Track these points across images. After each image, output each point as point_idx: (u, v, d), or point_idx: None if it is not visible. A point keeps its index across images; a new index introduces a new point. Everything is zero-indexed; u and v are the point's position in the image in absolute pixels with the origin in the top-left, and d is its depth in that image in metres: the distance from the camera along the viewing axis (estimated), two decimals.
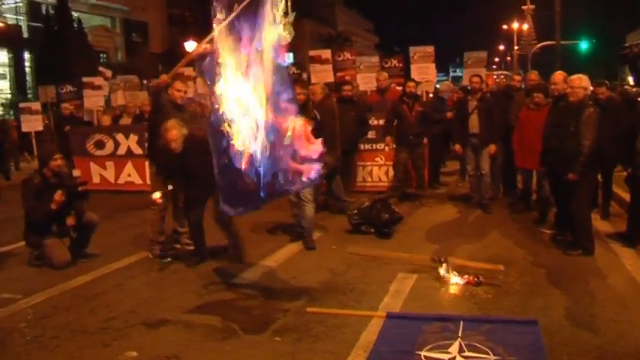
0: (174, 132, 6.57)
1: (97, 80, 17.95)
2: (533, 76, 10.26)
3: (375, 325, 4.98)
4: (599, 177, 8.43)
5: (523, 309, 5.35)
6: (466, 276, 6.05)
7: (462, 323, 4.86)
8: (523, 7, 44.71)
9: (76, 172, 9.44)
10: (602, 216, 8.81)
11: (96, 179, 13.11)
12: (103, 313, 5.52)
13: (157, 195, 7.28)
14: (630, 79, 14.43)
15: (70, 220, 7.23)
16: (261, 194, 5.09)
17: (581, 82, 7.08)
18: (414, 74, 13.57)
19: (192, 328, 5.09)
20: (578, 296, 5.62)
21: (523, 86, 10.62)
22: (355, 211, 8.40)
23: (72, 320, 5.39)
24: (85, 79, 17.76)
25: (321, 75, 14.74)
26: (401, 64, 14.58)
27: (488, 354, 4.36)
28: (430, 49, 14.26)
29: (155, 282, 6.46)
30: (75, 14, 34.46)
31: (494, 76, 26.71)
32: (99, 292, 6.14)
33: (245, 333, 4.95)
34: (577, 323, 4.99)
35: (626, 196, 8.96)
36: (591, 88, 7.82)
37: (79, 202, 7.31)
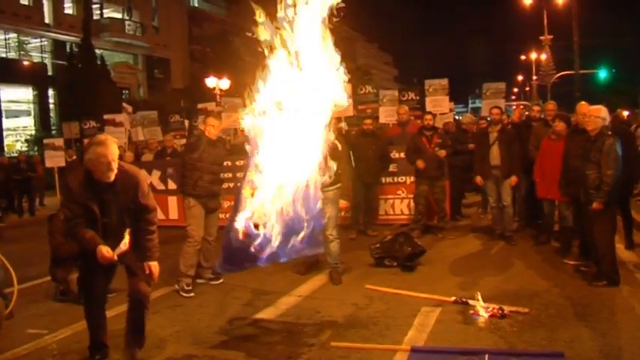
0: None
1: (118, 117, 18.32)
2: (551, 106, 10.29)
3: None
4: None
5: (549, 341, 5.31)
6: (490, 308, 6.02)
7: (487, 356, 4.82)
8: (541, 37, 44.79)
9: None
10: (627, 246, 8.73)
11: None
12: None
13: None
14: None
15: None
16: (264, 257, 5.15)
17: (599, 112, 7.11)
18: (428, 106, 13.72)
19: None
20: (604, 328, 5.56)
21: (543, 116, 10.64)
22: (378, 245, 8.40)
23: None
24: (106, 117, 18.15)
25: (343, 109, 14.87)
26: (418, 97, 14.70)
27: None
28: (444, 81, 14.44)
29: (180, 317, 6.50)
30: (98, 52, 35.17)
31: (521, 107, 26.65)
32: (123, 328, 6.16)
33: None
34: (604, 356, 4.94)
35: None
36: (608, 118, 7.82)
37: None
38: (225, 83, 31.12)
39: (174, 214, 12.98)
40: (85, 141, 16.33)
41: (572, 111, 10.02)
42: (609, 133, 7.02)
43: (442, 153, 10.18)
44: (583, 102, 8.06)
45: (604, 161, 6.83)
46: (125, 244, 4.87)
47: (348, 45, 75.73)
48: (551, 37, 43.77)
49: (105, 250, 4.77)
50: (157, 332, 5.99)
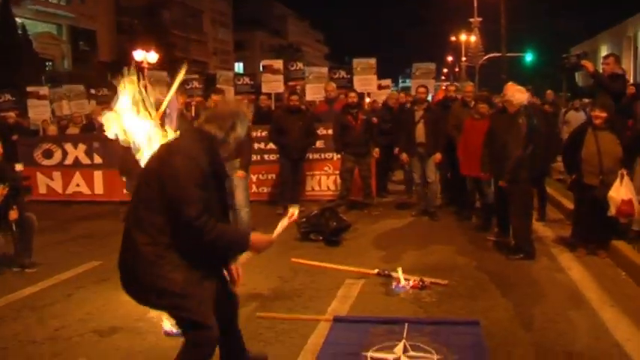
0: None
1: (43, 90, 17.65)
2: (470, 87, 10.71)
3: (322, 329, 5.10)
4: None
5: (467, 311, 5.56)
6: (411, 280, 6.25)
7: (406, 325, 5.02)
8: (471, 19, 45.75)
9: (18, 167, 9.32)
10: (538, 218, 9.15)
11: (42, 189, 12.88)
12: (52, 323, 5.48)
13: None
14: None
15: (13, 215, 7.18)
16: None
17: (515, 93, 7.43)
18: (356, 85, 13.91)
19: (143, 335, 5.13)
20: (518, 299, 5.86)
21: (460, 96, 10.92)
22: (304, 220, 8.51)
23: (20, 331, 5.34)
24: (29, 89, 17.45)
25: (273, 85, 14.92)
26: (349, 76, 14.85)
27: (432, 354, 4.54)
28: (372, 61, 14.65)
29: (105, 291, 6.42)
30: (19, 20, 33.68)
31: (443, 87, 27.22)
32: (47, 303, 6.09)
33: None
34: (517, 324, 5.22)
35: (567, 203, 9.39)
36: (527, 99, 8.14)
37: (21, 197, 7.24)
38: (153, 57, 30.49)
39: (99, 189, 12.71)
40: (6, 114, 15.52)
41: (499, 92, 10.34)
42: (523, 113, 7.35)
43: (376, 152, 10.62)
44: (511, 83, 8.34)
45: (516, 140, 7.18)
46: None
47: (280, 21, 75.45)
48: (480, 19, 44.80)
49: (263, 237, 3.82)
50: (81, 306, 5.94)
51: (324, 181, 11.91)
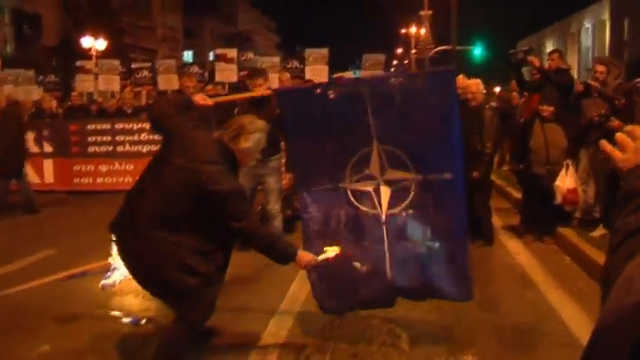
0: None
1: None
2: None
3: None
4: None
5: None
6: None
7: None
8: (421, 12, 46.23)
9: None
10: None
11: None
12: (13, 311, 5.44)
13: None
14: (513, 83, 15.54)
15: None
16: None
17: (479, 86, 7.69)
18: (308, 75, 13.94)
19: (105, 321, 5.17)
20: (473, 281, 6.12)
21: None
22: (259, 208, 8.53)
23: None
24: None
25: (226, 74, 14.82)
26: (302, 65, 14.91)
27: (409, 170, 4.56)
28: (324, 51, 14.72)
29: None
30: None
31: None
32: (4, 292, 5.99)
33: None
34: (467, 305, 5.42)
35: (514, 192, 9.75)
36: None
37: None
38: (101, 44, 29.90)
39: (49, 177, 12.50)
40: None
41: None
42: (488, 106, 7.65)
43: None
44: (461, 75, 8.57)
45: (485, 133, 7.42)
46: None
47: (231, 8, 74.60)
48: (431, 12, 45.33)
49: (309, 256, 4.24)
50: (40, 294, 5.86)
51: None
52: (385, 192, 4.57)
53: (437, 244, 4.62)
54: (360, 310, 4.89)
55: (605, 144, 1.28)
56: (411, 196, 4.56)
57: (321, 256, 4.22)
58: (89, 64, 15.66)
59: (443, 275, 4.64)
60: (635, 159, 1.17)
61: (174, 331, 3.92)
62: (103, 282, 5.40)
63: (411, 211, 4.59)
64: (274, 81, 13.69)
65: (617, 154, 1.22)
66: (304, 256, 4.10)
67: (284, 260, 4.07)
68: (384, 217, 4.59)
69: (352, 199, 4.65)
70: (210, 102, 4.62)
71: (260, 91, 6.33)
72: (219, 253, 3.90)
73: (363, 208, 4.64)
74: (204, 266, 3.78)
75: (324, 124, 4.67)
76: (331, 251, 4.24)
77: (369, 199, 4.62)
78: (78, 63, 15.92)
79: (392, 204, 4.58)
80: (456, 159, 4.56)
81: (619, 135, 1.24)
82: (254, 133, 3.95)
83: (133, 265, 3.92)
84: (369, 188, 4.59)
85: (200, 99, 4.45)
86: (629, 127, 1.25)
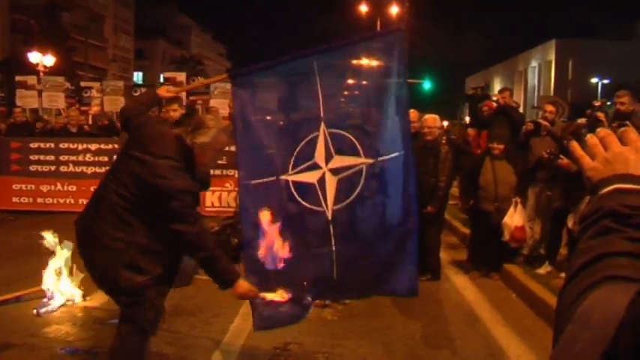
0: None
1: None
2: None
3: (226, 345, 5.03)
4: None
5: (366, 329, 5.67)
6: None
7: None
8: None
9: None
10: None
11: None
12: None
13: None
14: (467, 119, 15.82)
15: None
16: None
17: (436, 121, 7.69)
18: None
19: (37, 351, 4.87)
20: (417, 317, 6.06)
21: None
22: None
23: None
24: None
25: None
26: None
27: (360, 155, 4.36)
28: None
29: None
30: None
31: None
32: None
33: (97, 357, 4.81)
34: (416, 341, 5.38)
35: (462, 227, 9.81)
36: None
37: None
38: (49, 60, 29.25)
39: None
40: None
41: None
42: (444, 141, 7.66)
43: None
44: (412, 109, 8.59)
45: (440, 168, 7.41)
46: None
47: (183, 32, 74.26)
48: None
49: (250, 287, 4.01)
50: None
51: (224, 197, 11.77)
52: (331, 183, 4.28)
53: (387, 233, 4.45)
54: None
55: (576, 147, 1.13)
56: (360, 185, 4.32)
57: (264, 294, 4.03)
58: (31, 80, 15.16)
59: (391, 266, 4.44)
60: (605, 171, 1.04)
61: (123, 332, 3.77)
62: (38, 309, 5.18)
63: (359, 205, 4.39)
64: (224, 106, 13.55)
65: (586, 160, 1.08)
66: (243, 285, 3.89)
67: (222, 282, 3.86)
68: (329, 214, 4.31)
69: (295, 193, 4.34)
70: (172, 92, 4.74)
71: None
72: (170, 254, 3.81)
73: (307, 205, 4.35)
74: (152, 266, 3.69)
75: (274, 110, 4.61)
76: (276, 296, 4.04)
77: (313, 195, 4.31)
78: (18, 78, 15.36)
79: (339, 198, 4.30)
80: (405, 135, 4.44)
81: (590, 138, 1.10)
82: (212, 129, 3.84)
83: (87, 262, 3.89)
84: (313, 180, 4.30)
85: (163, 91, 4.46)
86: (602, 132, 1.10)
